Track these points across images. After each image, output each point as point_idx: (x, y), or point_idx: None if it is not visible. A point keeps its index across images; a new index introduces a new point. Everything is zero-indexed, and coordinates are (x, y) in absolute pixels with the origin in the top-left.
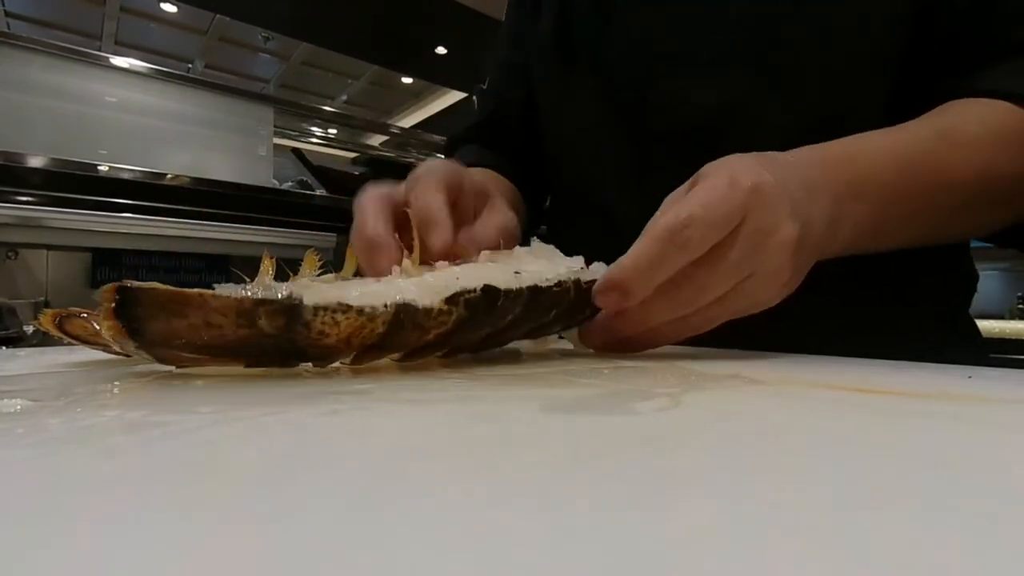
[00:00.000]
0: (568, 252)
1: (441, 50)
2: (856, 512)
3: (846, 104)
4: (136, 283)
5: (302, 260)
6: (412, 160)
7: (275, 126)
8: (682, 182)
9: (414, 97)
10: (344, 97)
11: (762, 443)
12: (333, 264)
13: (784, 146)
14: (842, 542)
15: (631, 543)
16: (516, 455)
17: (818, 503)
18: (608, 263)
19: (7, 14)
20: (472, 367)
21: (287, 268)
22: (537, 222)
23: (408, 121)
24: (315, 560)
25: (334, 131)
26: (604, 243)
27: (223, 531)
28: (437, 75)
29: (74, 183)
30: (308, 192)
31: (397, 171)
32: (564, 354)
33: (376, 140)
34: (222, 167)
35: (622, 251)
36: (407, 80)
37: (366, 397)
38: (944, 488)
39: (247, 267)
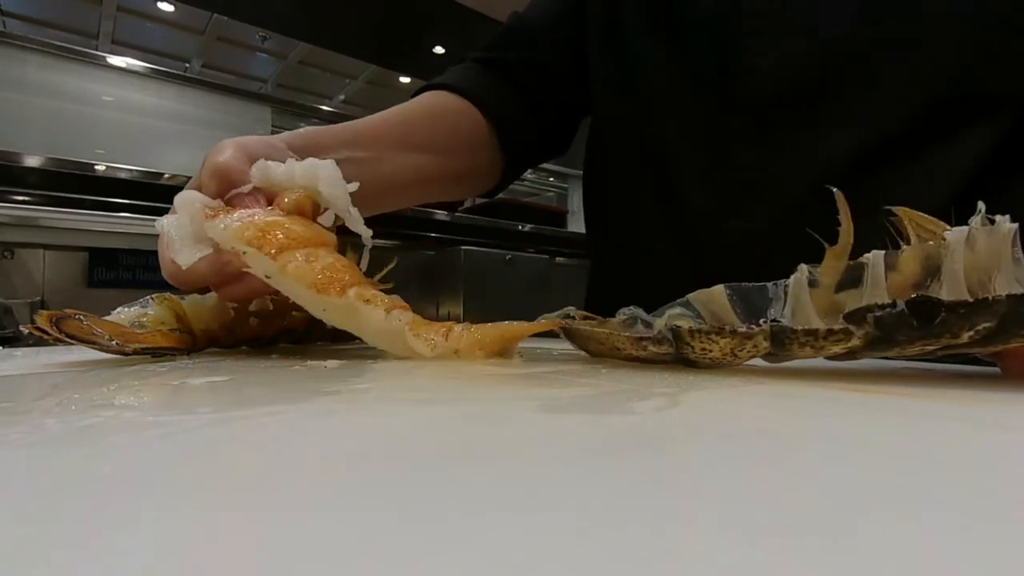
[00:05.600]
0: (609, 220)
1: (439, 50)
2: (856, 512)
3: (1000, 77)
4: (569, 323)
5: None
6: None
7: (273, 125)
8: (762, 156)
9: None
10: (342, 97)
11: (762, 443)
12: None
13: (900, 126)
14: (842, 542)
15: (630, 543)
16: (514, 455)
17: (818, 503)
18: (662, 237)
19: (3, 13)
20: (471, 367)
21: None
22: (529, 156)
23: None
24: (314, 560)
25: None
26: (657, 220)
27: (222, 531)
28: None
29: (71, 182)
30: None
31: None
32: (564, 354)
33: None
34: None
35: (681, 227)
36: (405, 80)
37: (364, 397)
38: (944, 488)
39: None
